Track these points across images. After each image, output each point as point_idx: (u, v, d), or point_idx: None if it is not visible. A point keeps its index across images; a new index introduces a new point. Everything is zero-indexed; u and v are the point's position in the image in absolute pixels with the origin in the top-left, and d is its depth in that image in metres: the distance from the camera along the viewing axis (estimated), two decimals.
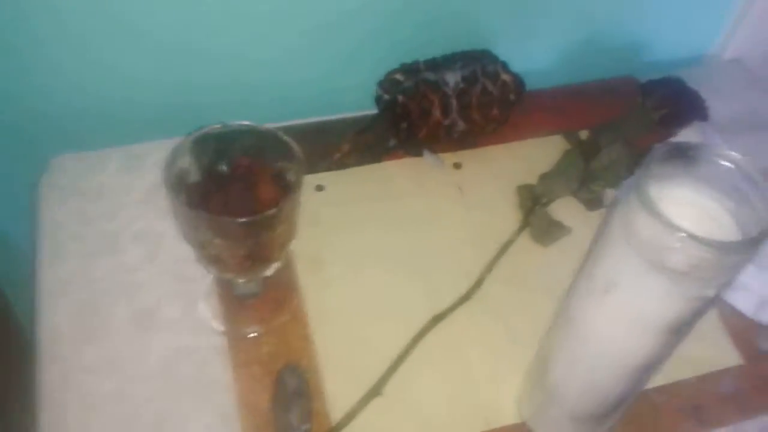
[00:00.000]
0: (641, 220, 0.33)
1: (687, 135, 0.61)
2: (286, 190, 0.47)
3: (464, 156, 0.66)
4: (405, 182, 0.64)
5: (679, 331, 0.37)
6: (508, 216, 0.62)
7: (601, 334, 0.39)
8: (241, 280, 0.53)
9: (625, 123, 0.66)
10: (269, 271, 0.51)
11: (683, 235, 0.31)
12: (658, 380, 0.51)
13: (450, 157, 0.66)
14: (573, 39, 0.73)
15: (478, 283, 0.57)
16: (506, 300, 0.56)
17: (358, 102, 0.68)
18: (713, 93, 0.75)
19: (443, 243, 0.60)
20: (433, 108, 0.62)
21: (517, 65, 0.72)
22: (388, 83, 0.63)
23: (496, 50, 0.70)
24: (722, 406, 0.52)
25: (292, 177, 0.48)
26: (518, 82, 0.64)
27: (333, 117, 0.68)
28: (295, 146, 0.47)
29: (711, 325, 0.56)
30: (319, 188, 0.63)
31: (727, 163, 0.34)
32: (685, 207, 0.36)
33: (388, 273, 0.57)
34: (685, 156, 0.34)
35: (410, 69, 0.63)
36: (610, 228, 0.36)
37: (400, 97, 0.62)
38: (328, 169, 0.64)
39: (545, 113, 0.70)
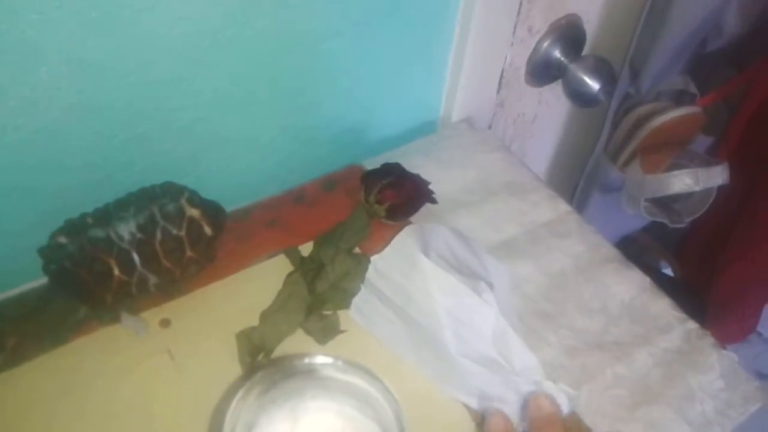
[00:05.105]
0: None
1: (404, 239, 0.55)
2: None
3: (173, 309, 0.56)
4: (102, 361, 0.52)
5: None
6: (233, 375, 0.52)
7: None
8: None
9: (349, 227, 0.59)
10: None
11: None
12: None
13: (156, 314, 0.55)
14: (286, 136, 0.65)
15: None
16: None
17: (29, 273, 0.55)
18: (445, 164, 0.70)
19: (158, 429, 0.49)
20: (111, 269, 0.51)
21: (226, 180, 0.63)
22: (50, 249, 0.51)
23: (195, 173, 0.61)
24: None
25: None
26: (212, 212, 0.55)
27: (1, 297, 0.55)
28: None
29: None
30: None
31: (330, 369, 0.26)
32: (330, 420, 0.28)
33: None
34: (300, 371, 0.26)
35: (75, 227, 0.51)
36: None
37: (68, 264, 0.50)
38: None
39: (266, 231, 0.62)
